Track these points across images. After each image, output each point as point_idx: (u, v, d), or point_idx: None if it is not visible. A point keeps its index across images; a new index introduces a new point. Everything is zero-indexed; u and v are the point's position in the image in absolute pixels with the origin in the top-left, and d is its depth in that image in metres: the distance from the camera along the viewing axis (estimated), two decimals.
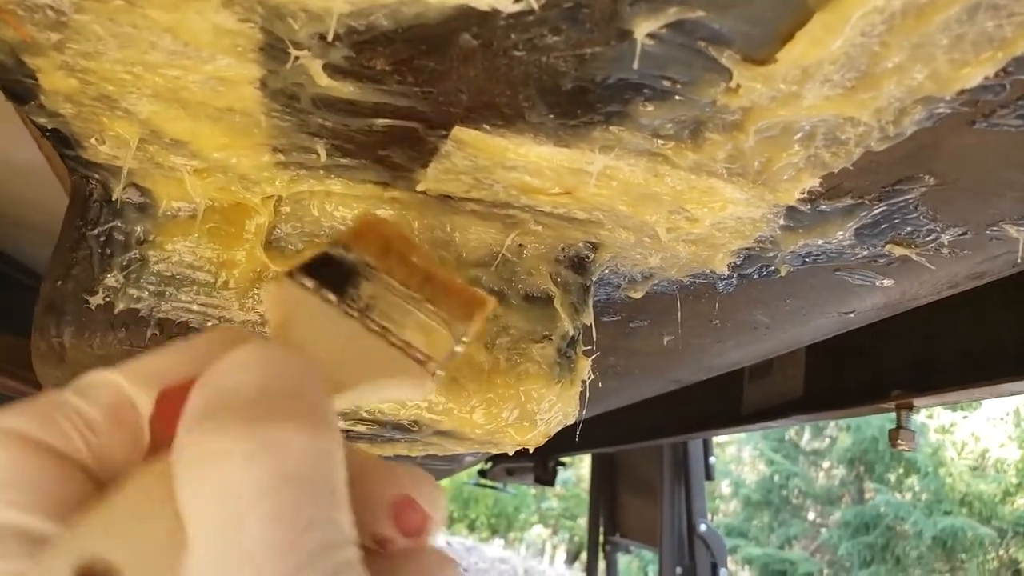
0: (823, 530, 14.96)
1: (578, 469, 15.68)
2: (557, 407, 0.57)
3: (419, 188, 0.50)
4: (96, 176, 0.52)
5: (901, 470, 13.46)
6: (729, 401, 1.35)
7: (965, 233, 0.48)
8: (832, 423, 15.35)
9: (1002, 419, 12.54)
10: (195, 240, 0.55)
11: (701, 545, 2.28)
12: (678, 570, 2.32)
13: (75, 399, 0.25)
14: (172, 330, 0.55)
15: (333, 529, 0.22)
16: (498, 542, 13.31)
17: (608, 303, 0.71)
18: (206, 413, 0.22)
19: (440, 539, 8.96)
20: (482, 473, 3.91)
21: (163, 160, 0.49)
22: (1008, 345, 0.77)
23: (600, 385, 1.17)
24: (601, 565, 3.34)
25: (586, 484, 3.55)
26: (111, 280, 0.53)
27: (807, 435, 16.15)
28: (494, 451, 0.64)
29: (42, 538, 0.22)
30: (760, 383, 1.25)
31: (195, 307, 0.55)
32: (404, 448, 0.69)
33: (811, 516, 15.81)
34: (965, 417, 13.11)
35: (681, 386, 1.13)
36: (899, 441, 0.86)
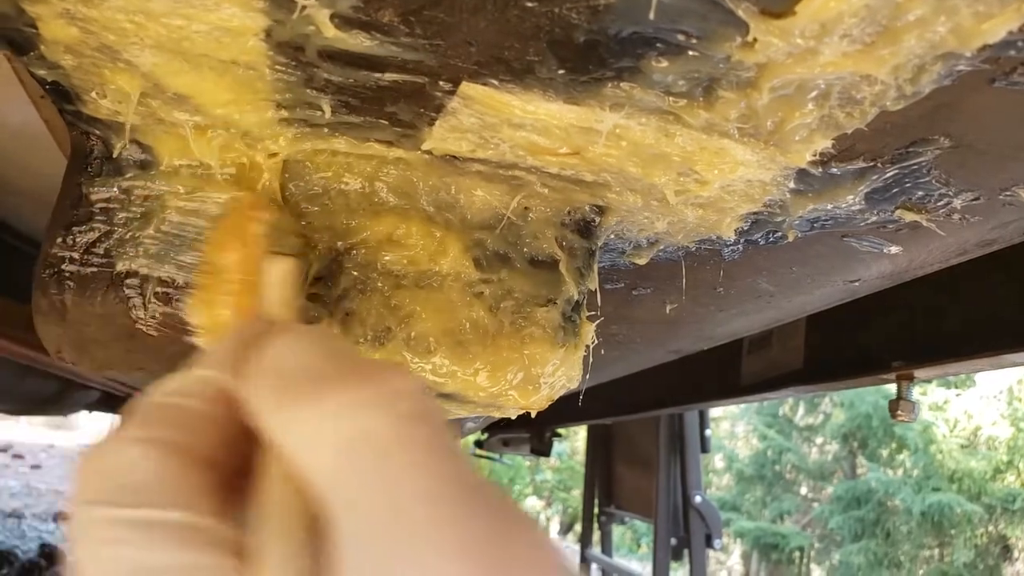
0: (815, 505, 15.13)
1: (573, 442, 15.80)
2: (561, 371, 0.57)
3: (424, 147, 0.49)
4: (97, 132, 0.51)
5: (893, 446, 13.59)
6: (728, 373, 1.35)
7: (977, 198, 0.47)
8: (827, 399, 15.47)
9: (995, 397, 12.64)
10: (198, 199, 0.54)
11: (696, 516, 2.31)
12: (672, 541, 2.35)
13: (188, 401, 0.27)
14: (176, 291, 0.54)
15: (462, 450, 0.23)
16: None
17: (612, 270, 0.71)
18: (297, 390, 0.23)
19: None
20: (478, 444, 3.94)
21: (165, 115, 0.48)
22: (1009, 317, 0.77)
23: (603, 353, 1.17)
24: (596, 537, 3.38)
25: (581, 457, 3.58)
26: (112, 238, 0.53)
27: (801, 411, 16.27)
28: (497, 415, 0.64)
29: (196, 530, 0.23)
30: (759, 355, 1.25)
31: (197, 268, 0.54)
32: None
33: (803, 491, 15.98)
34: (958, 395, 13.21)
35: (682, 356, 1.13)
36: (899, 412, 0.86)
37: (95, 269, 0.52)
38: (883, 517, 12.75)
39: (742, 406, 17.36)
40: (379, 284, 0.55)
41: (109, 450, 0.24)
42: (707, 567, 2.41)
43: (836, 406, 14.92)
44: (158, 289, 0.54)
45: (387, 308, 0.55)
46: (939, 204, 0.49)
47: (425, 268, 0.55)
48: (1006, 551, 12.15)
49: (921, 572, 12.31)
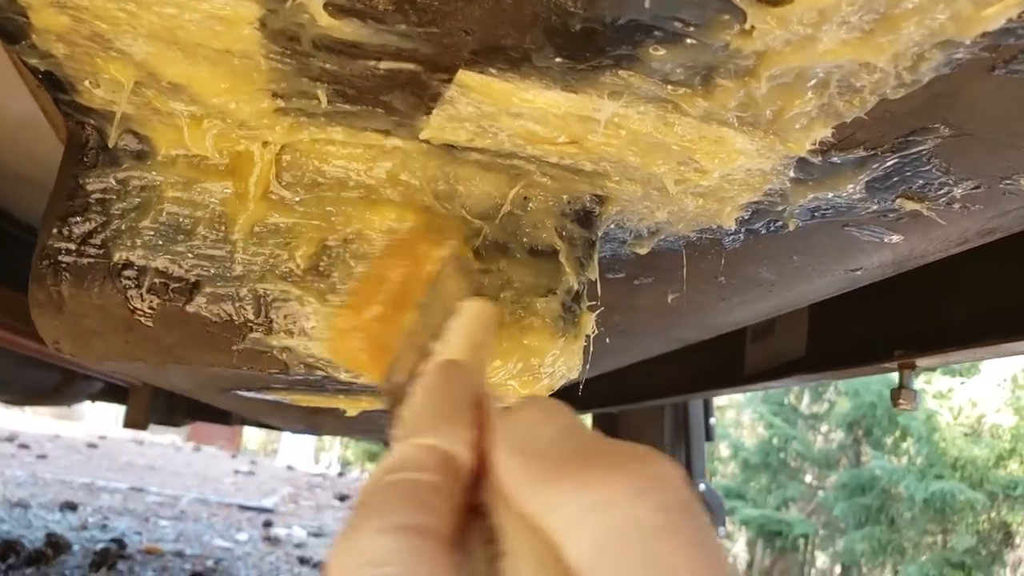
0: (820, 492, 15.16)
1: None
2: (560, 361, 0.57)
3: (421, 136, 0.49)
4: (91, 122, 0.51)
5: (897, 434, 13.60)
6: (731, 361, 1.35)
7: (978, 187, 0.47)
8: (831, 388, 15.47)
9: (999, 385, 12.60)
10: (195, 189, 0.54)
11: None
12: None
13: (420, 476, 0.26)
14: (172, 282, 0.54)
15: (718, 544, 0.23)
16: None
17: (613, 260, 0.71)
18: (558, 471, 0.24)
19: None
20: None
21: (161, 105, 0.48)
22: (1012, 305, 0.77)
23: (606, 341, 1.17)
24: None
25: None
26: (109, 229, 0.53)
27: (806, 399, 16.26)
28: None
29: None
30: (762, 343, 1.25)
31: (194, 259, 0.54)
32: None
33: (808, 479, 16.01)
34: (963, 383, 13.18)
35: (684, 345, 1.13)
36: (901, 401, 0.86)
37: (92, 260, 0.52)
38: (887, 504, 12.77)
39: (748, 395, 17.38)
40: None
41: (359, 542, 0.24)
42: None
43: (841, 395, 14.91)
44: (155, 280, 0.54)
45: None
46: (940, 193, 0.48)
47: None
48: (1008, 537, 12.16)
49: (923, 558, 12.34)
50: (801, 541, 15.30)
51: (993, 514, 12.06)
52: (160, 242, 0.53)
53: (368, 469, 15.86)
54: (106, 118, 0.50)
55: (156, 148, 0.52)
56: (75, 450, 7.97)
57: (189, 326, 0.56)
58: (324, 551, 4.52)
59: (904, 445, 13.80)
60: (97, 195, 0.52)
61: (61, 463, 6.79)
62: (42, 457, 6.95)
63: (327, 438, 19.12)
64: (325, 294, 0.54)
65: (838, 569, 15.33)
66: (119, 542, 3.60)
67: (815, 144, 0.45)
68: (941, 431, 12.38)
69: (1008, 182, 0.46)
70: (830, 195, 0.50)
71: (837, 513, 13.61)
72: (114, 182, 0.52)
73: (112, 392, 2.34)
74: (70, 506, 4.51)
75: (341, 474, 10.63)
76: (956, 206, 0.49)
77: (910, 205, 0.50)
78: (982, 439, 12.26)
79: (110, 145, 0.52)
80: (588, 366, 0.65)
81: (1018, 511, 11.72)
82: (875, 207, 0.52)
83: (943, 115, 0.40)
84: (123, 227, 0.53)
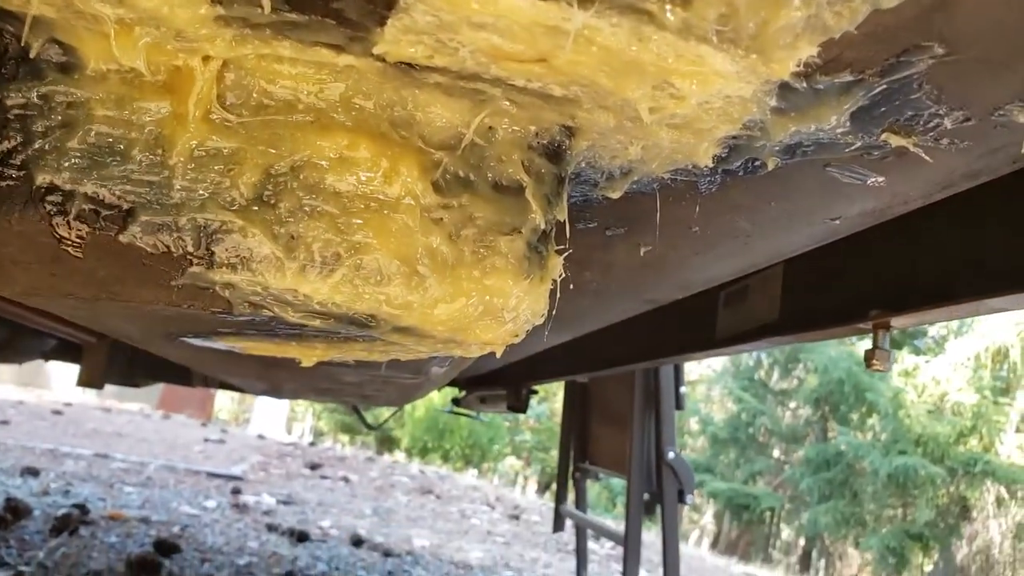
0: (787, 467, 15.46)
1: (552, 403, 15.92)
2: (525, 304, 0.54)
3: (376, 51, 0.45)
4: (10, 28, 0.46)
5: (864, 410, 13.89)
6: (703, 327, 1.33)
7: (968, 119, 0.44)
8: (801, 365, 15.71)
9: (963, 364, 12.88)
10: (128, 108, 0.49)
11: (669, 472, 2.31)
12: (645, 496, 2.36)
13: None
14: (103, 209, 0.50)
15: None
16: (472, 472, 13.59)
17: (585, 206, 0.67)
18: None
19: (412, 468, 9.09)
20: (455, 401, 3.93)
21: (84, 6, 0.43)
22: (989, 262, 0.75)
23: (576, 303, 1.14)
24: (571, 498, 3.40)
25: (559, 418, 3.59)
26: (30, 149, 0.48)
27: (776, 375, 16.53)
28: (458, 353, 0.60)
29: None
30: (735, 308, 1.23)
31: (127, 184, 0.50)
32: (363, 349, 0.65)
33: (776, 453, 16.32)
34: (927, 361, 13.47)
35: (657, 306, 1.10)
36: (875, 361, 0.84)
37: (11, 183, 0.47)
38: (851, 479, 13.09)
39: (718, 370, 17.59)
40: (327, 207, 0.51)
41: None
42: (679, 522, 2.43)
43: (810, 372, 15.18)
44: (84, 206, 0.49)
45: (336, 233, 0.51)
46: (929, 126, 0.45)
47: (379, 190, 0.51)
48: (965, 511, 12.54)
49: (884, 531, 12.68)
50: (767, 514, 15.65)
51: (952, 489, 12.41)
52: (89, 165, 0.49)
53: (341, 440, 15.84)
54: (25, 23, 0.45)
55: (84, 61, 0.48)
56: (39, 416, 7.83)
57: (123, 258, 0.51)
58: (293, 519, 4.50)
59: (870, 421, 14.12)
60: (17, 111, 0.47)
61: (24, 429, 6.66)
62: (4, 423, 6.82)
63: (299, 408, 19.05)
64: (271, 225, 0.50)
65: (802, 541, 15.71)
66: (82, 508, 3.55)
67: (799, 66, 0.41)
68: (906, 408, 12.68)
69: (1000, 113, 0.43)
70: (812, 127, 0.47)
71: (803, 487, 13.92)
72: (36, 97, 0.48)
73: (67, 350, 2.27)
74: (31, 472, 4.43)
75: (313, 444, 10.59)
76: (944, 142, 0.46)
77: (897, 140, 0.47)
78: (944, 416, 12.57)
79: (31, 56, 0.47)
80: (565, 333, 0.62)
81: (976, 487, 12.07)
82: (859, 143, 0.49)
83: (938, 29, 0.37)
84: (46, 147, 0.48)
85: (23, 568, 2.43)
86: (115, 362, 1.94)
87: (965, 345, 12.90)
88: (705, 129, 0.50)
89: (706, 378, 18.25)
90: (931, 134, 0.46)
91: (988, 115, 0.44)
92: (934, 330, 15.16)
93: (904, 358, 13.38)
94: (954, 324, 13.75)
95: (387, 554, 3.96)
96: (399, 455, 14.35)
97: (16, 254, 0.50)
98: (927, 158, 0.48)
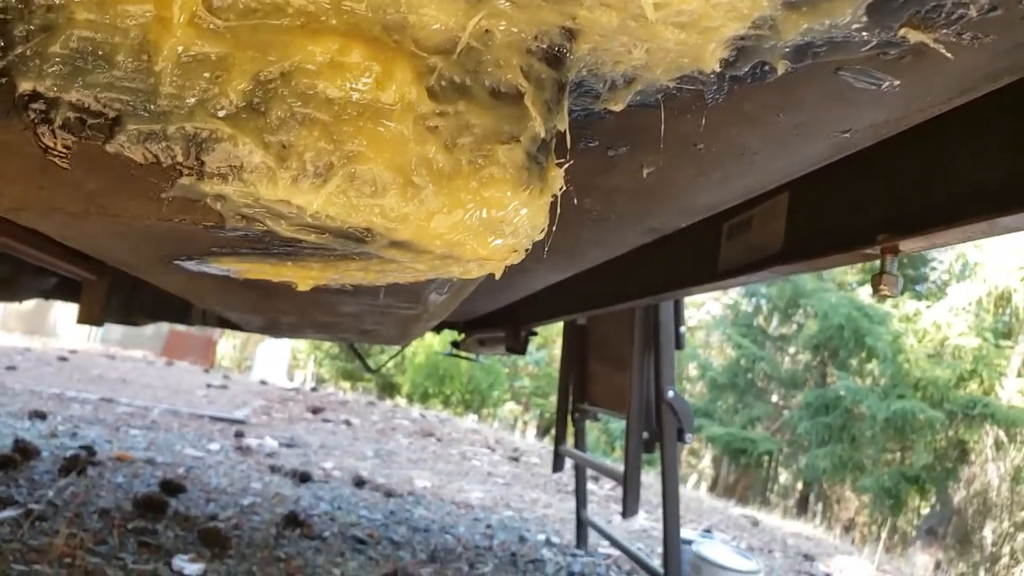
0: (785, 412, 15.64)
1: (551, 349, 16.04)
2: (524, 216, 0.52)
3: None
4: None
5: (863, 355, 13.97)
6: (705, 259, 1.32)
7: (995, 7, 0.42)
8: (800, 311, 15.74)
9: (964, 309, 12.91)
10: (111, 12, 0.47)
11: (668, 411, 2.33)
12: (644, 435, 2.38)
13: None
14: (89, 117, 0.48)
15: None
16: (471, 417, 13.77)
17: (587, 122, 0.65)
18: None
19: (413, 412, 9.20)
20: (455, 344, 3.95)
21: None
22: (999, 180, 0.73)
23: (576, 236, 1.13)
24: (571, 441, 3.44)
25: (558, 364, 3.60)
26: (11, 54, 0.46)
27: (775, 321, 16.59)
28: (457, 272, 0.59)
29: None
30: (739, 239, 1.22)
31: (113, 92, 0.48)
32: (359, 269, 0.64)
33: (774, 399, 16.49)
34: (928, 307, 13.49)
35: (659, 235, 1.09)
36: (882, 286, 0.83)
37: None
38: (849, 423, 13.25)
39: (717, 315, 17.64)
40: (319, 114, 0.49)
41: None
42: (678, 461, 2.46)
43: (810, 317, 15.23)
44: (69, 114, 0.48)
45: (328, 142, 0.49)
46: (952, 17, 0.43)
47: (371, 97, 0.49)
48: (963, 455, 12.72)
49: (882, 474, 12.88)
50: (765, 458, 15.89)
51: (951, 432, 12.56)
52: (72, 71, 0.47)
53: (343, 387, 16.00)
54: None
55: None
56: (45, 363, 7.90)
57: (111, 169, 0.50)
58: (296, 461, 4.57)
59: (869, 366, 14.23)
60: None
61: (31, 374, 6.73)
62: (11, 368, 6.88)
63: (301, 356, 19.20)
64: (262, 134, 0.49)
65: (800, 485, 15.99)
66: (89, 449, 3.60)
67: None
68: (906, 353, 12.75)
69: None
70: (826, 24, 0.45)
71: (801, 431, 14.10)
72: (14, 0, 0.45)
73: (66, 288, 2.26)
74: (39, 415, 4.48)
75: (315, 389, 10.70)
76: (967, 36, 0.44)
77: (916, 35, 0.45)
78: (944, 360, 12.66)
79: None
80: (565, 268, 0.61)
81: (975, 429, 12.22)
82: (875, 40, 0.46)
83: None
84: (28, 52, 0.46)
85: (33, 506, 2.47)
86: (114, 300, 1.94)
87: (967, 290, 12.91)
88: (713, 27, 0.47)
89: (704, 324, 18.33)
90: (954, 27, 0.44)
91: (1016, 4, 0.41)
92: (936, 275, 15.16)
93: (905, 303, 13.40)
94: (956, 268, 13.74)
95: (389, 494, 4.03)
96: (400, 400, 14.51)
97: (1, 166, 0.49)
98: (948, 54, 0.46)
